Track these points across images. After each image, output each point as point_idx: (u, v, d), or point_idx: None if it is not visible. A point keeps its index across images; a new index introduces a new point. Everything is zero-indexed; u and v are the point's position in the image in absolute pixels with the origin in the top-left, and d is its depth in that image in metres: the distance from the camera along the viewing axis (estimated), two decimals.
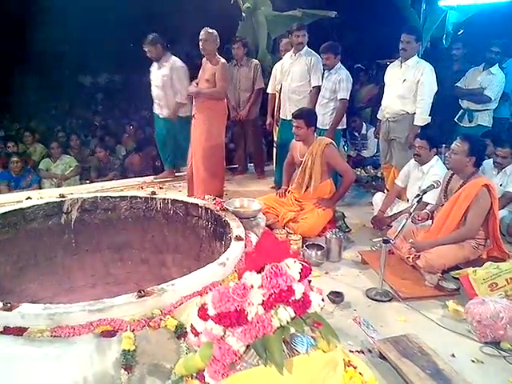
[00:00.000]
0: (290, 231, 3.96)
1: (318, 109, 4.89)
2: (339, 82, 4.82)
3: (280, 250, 1.75)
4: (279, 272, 1.66)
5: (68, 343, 2.00)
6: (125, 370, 2.02)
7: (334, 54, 4.84)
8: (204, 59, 4.66)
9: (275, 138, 5.58)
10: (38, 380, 1.97)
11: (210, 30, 4.52)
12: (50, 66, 11.18)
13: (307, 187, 4.19)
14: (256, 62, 5.60)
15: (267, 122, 5.66)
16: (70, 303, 2.17)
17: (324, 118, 4.91)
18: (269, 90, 5.51)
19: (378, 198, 4.42)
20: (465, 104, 5.41)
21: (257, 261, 1.70)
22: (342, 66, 4.92)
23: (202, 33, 4.51)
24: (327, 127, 4.93)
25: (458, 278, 3.08)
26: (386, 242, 3.07)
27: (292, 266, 1.70)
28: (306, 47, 5.06)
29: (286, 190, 4.42)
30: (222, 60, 4.59)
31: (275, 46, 5.89)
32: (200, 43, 4.51)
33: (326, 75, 4.96)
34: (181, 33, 8.86)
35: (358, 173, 5.71)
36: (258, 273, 1.68)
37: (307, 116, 4.16)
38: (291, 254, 1.77)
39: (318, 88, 5.00)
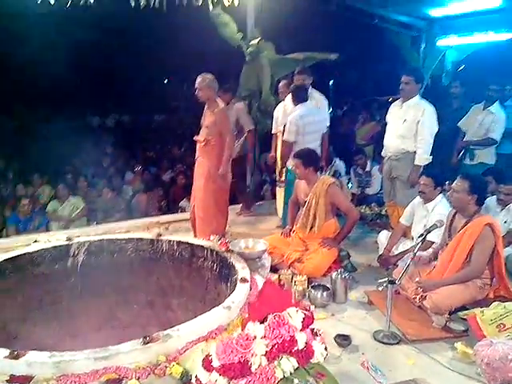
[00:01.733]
0: (296, 272, 3.95)
1: None
2: None
3: (282, 299, 1.76)
4: (282, 322, 1.67)
5: None
6: None
7: None
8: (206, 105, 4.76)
9: (277, 176, 5.67)
10: None
11: (203, 77, 4.51)
12: (57, 108, 11.49)
13: (312, 227, 4.20)
14: (238, 105, 5.74)
15: (269, 155, 5.77)
16: (75, 349, 2.18)
17: None
18: (273, 131, 5.64)
19: (384, 237, 4.41)
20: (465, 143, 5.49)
21: (259, 310, 1.71)
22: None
23: (197, 81, 4.53)
24: None
25: (465, 319, 3.05)
26: (391, 282, 3.06)
27: (294, 316, 1.71)
28: (310, 89, 5.18)
29: (290, 230, 4.44)
30: (221, 105, 4.62)
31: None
32: (197, 91, 4.56)
33: None
34: (187, 76, 9.13)
35: (363, 210, 5.70)
36: (261, 323, 1.69)
37: (304, 156, 4.22)
38: (293, 303, 1.78)
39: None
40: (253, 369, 1.62)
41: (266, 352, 1.63)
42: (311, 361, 1.71)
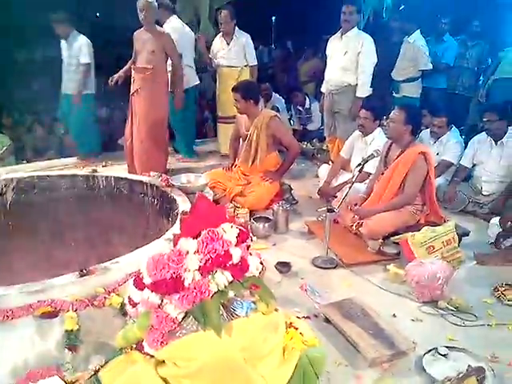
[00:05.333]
0: (238, 205, 3.96)
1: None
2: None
3: (216, 215, 1.73)
4: (215, 237, 1.65)
5: (6, 326, 1.93)
6: (69, 349, 1.99)
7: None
8: (141, 31, 4.49)
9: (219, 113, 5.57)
10: None
11: (150, 0, 4.34)
12: None
13: (253, 160, 4.19)
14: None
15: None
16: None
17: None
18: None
19: (324, 170, 4.50)
20: (393, 76, 5.58)
21: (192, 226, 1.68)
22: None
23: (141, 2, 4.30)
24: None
25: (398, 243, 3.21)
26: (330, 211, 3.14)
27: (229, 231, 1.70)
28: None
29: (232, 164, 4.41)
30: (165, 30, 4.52)
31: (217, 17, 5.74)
32: (141, 13, 4.33)
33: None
34: (116, 8, 8.47)
35: (304, 146, 5.77)
36: (193, 239, 1.67)
37: (243, 89, 4.13)
38: (228, 219, 1.76)
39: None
40: (186, 284, 1.61)
41: (200, 267, 1.62)
42: (246, 275, 1.73)
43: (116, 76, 4.59)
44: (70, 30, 5.06)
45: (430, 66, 5.38)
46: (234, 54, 5.21)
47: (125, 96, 4.95)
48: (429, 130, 4.47)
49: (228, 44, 5.23)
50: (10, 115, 6.46)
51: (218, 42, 5.32)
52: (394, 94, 5.60)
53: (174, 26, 4.97)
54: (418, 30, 5.38)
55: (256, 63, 5.37)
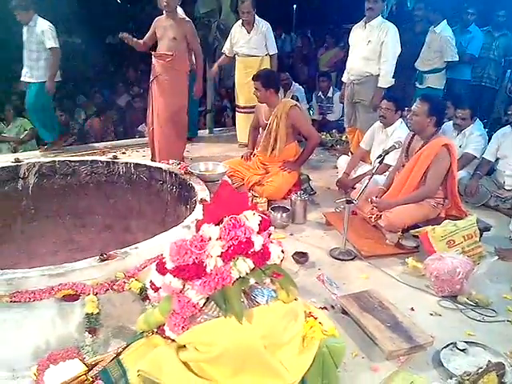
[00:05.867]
0: (256, 194, 3.96)
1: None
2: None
3: (239, 202, 1.72)
4: (238, 224, 1.65)
5: (28, 308, 1.97)
6: (89, 333, 2.02)
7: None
8: (162, 17, 4.48)
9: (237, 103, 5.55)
10: None
11: None
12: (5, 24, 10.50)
13: (272, 150, 4.17)
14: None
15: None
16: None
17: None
18: (224, 50, 5.47)
19: (343, 161, 4.45)
20: (417, 66, 5.47)
21: (215, 213, 1.68)
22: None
23: None
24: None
25: (417, 236, 3.17)
26: (348, 202, 3.12)
27: (251, 218, 1.69)
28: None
29: (251, 154, 4.39)
30: (187, 18, 4.51)
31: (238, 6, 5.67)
32: (163, 0, 4.32)
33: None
34: None
35: (324, 136, 5.72)
36: (216, 225, 1.68)
37: (264, 78, 4.10)
38: (250, 206, 1.75)
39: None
40: (208, 270, 1.62)
41: (222, 253, 1.63)
42: (268, 262, 1.73)
43: (128, 36, 4.48)
44: (32, 15, 4.83)
45: (457, 58, 5.26)
46: (255, 42, 5.19)
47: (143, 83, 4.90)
48: (451, 122, 4.39)
49: (248, 33, 5.20)
50: None
51: (238, 31, 5.28)
52: (418, 85, 5.49)
53: None
54: (445, 20, 5.25)
55: (276, 52, 5.36)
